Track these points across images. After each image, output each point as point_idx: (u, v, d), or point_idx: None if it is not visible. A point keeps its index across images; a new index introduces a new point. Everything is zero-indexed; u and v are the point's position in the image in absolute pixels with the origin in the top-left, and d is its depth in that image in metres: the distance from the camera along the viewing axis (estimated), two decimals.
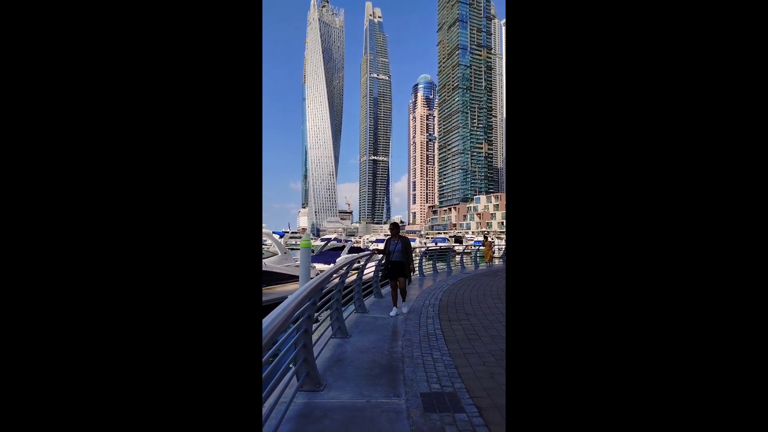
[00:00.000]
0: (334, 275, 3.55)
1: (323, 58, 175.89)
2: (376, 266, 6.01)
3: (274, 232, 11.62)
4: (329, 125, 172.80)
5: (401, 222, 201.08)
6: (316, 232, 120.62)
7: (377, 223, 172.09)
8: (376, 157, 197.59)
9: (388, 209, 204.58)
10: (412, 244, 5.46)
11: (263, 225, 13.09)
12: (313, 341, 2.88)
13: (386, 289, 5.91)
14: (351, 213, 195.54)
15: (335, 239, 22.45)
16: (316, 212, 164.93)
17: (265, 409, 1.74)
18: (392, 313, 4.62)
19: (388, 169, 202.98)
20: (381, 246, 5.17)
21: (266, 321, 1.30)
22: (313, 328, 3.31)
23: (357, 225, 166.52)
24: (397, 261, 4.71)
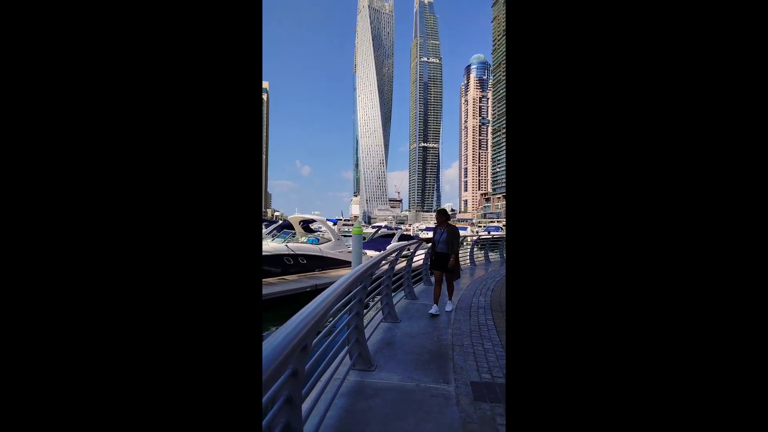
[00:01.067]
0: (383, 262, 3.63)
1: (373, 45, 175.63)
2: (426, 254, 5.89)
3: (327, 219, 12.15)
4: (379, 113, 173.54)
5: (452, 210, 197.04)
6: (368, 220, 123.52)
7: (427, 211, 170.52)
8: (426, 144, 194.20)
9: (438, 197, 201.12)
10: (463, 233, 5.14)
11: (318, 213, 13.76)
12: (365, 324, 3.00)
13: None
14: (401, 201, 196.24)
15: (386, 227, 22.83)
16: (367, 200, 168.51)
17: (321, 384, 1.87)
18: (432, 311, 4.03)
19: (439, 156, 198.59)
20: (430, 234, 4.76)
21: (316, 301, 1.40)
22: (365, 313, 3.45)
23: (407, 213, 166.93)
24: (441, 252, 4.11)
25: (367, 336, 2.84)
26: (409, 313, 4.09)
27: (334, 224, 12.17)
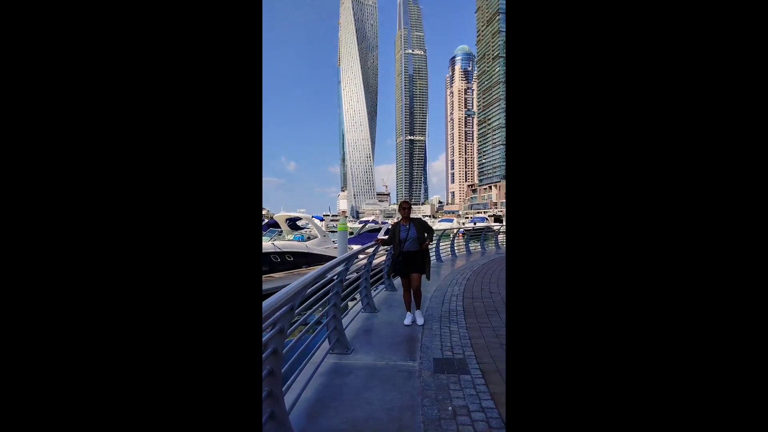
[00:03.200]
0: (361, 256, 3.94)
1: (357, 37, 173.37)
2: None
3: (314, 217, 12.43)
4: (365, 107, 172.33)
5: (439, 202, 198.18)
6: (356, 215, 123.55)
7: (415, 204, 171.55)
8: (412, 137, 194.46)
9: (426, 189, 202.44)
10: (449, 225, 4.72)
11: (303, 210, 14.01)
12: (344, 315, 3.33)
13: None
14: (389, 195, 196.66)
15: (372, 221, 23.13)
16: (354, 195, 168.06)
17: (301, 366, 2.19)
18: (406, 321, 3.48)
19: (425, 149, 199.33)
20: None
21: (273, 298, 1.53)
22: (348, 306, 3.77)
23: (395, 206, 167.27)
24: (411, 251, 3.42)
25: (345, 325, 3.16)
26: (387, 303, 4.43)
27: (321, 221, 12.43)
